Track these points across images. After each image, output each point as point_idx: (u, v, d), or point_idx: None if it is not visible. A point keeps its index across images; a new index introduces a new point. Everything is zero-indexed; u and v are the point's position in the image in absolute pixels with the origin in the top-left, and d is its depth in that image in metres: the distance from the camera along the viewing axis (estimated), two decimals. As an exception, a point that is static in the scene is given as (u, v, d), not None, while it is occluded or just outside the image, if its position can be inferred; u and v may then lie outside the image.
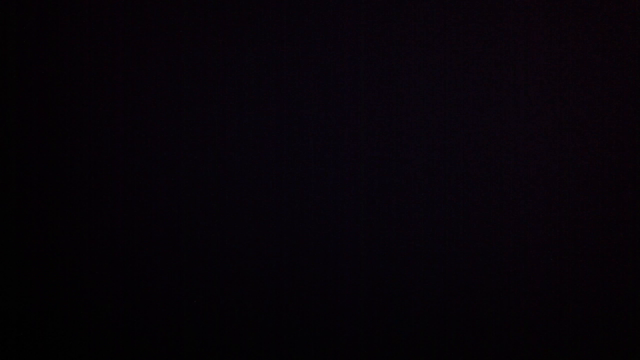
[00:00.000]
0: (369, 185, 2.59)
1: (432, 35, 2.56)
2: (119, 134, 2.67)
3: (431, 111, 2.57)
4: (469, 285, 2.56)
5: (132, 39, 2.66)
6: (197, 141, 2.64)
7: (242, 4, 2.62)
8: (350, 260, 2.60)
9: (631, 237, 2.50)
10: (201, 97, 2.64)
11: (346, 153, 2.60)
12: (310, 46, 2.60)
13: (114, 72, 2.67)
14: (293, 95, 2.61)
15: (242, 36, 2.62)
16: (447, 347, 2.58)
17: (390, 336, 2.59)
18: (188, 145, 2.65)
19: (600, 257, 2.52)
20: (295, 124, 2.61)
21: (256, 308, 2.64)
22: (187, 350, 2.66)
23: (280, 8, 2.61)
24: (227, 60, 2.63)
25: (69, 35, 2.68)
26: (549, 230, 2.53)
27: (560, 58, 2.52)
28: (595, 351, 2.52)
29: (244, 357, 2.64)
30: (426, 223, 2.57)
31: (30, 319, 2.71)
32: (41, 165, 2.69)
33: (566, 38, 2.52)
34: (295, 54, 2.61)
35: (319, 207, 2.61)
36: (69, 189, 2.69)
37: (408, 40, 2.57)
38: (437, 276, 2.57)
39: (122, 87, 2.67)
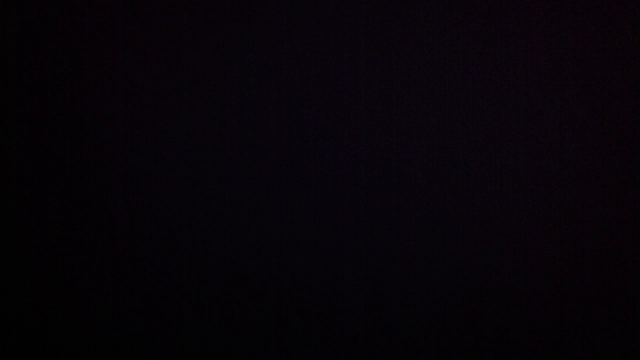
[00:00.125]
0: (369, 185, 2.59)
1: (432, 35, 2.56)
2: (119, 134, 2.67)
3: (431, 111, 2.57)
4: (468, 285, 2.56)
5: (132, 39, 2.66)
6: (197, 141, 2.64)
7: (242, 4, 2.63)
8: (350, 260, 2.60)
9: (631, 237, 2.50)
10: (201, 97, 2.64)
11: (346, 153, 2.60)
12: (310, 46, 2.60)
13: (114, 72, 2.67)
14: (293, 95, 2.61)
15: (242, 36, 2.62)
16: (447, 347, 2.58)
17: (390, 336, 2.59)
18: (188, 145, 2.65)
19: (600, 257, 2.52)
20: (295, 124, 2.61)
21: (256, 308, 2.64)
22: (187, 350, 2.66)
23: (280, 8, 2.61)
24: (227, 60, 2.63)
25: (69, 35, 2.68)
26: (549, 230, 2.53)
27: (560, 58, 2.52)
28: (595, 351, 2.52)
29: (244, 357, 2.64)
30: (426, 223, 2.57)
31: (30, 319, 2.71)
32: (41, 165, 2.69)
33: (566, 38, 2.52)
34: (295, 54, 2.61)
35: (319, 207, 2.61)
36: (69, 189, 2.69)
37: (408, 40, 2.57)
38: (437, 276, 2.57)
39: (122, 87, 2.67)
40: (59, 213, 2.69)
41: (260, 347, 2.64)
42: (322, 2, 2.60)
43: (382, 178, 2.58)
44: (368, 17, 2.58)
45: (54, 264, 2.70)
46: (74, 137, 2.69)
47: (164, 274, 2.66)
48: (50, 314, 2.71)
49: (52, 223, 2.70)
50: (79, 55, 2.68)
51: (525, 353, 2.54)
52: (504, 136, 2.54)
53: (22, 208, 2.70)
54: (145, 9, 2.66)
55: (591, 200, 2.52)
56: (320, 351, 2.61)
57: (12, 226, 2.70)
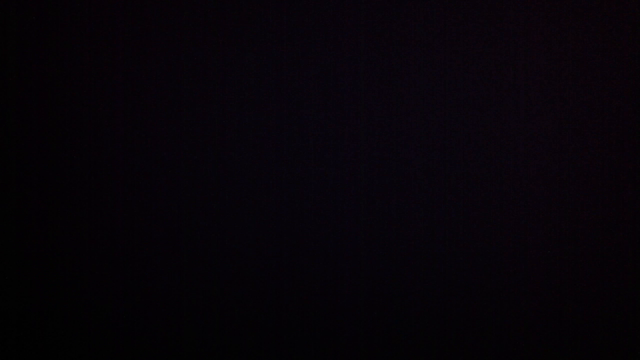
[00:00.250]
0: (369, 185, 2.59)
1: (432, 35, 2.56)
2: (119, 134, 2.67)
3: (431, 111, 2.57)
4: (468, 285, 2.56)
5: (132, 39, 2.66)
6: (197, 141, 2.64)
7: (242, 4, 2.62)
8: (350, 260, 2.60)
9: (631, 237, 2.50)
10: (201, 97, 2.64)
11: (346, 153, 2.60)
12: (310, 46, 2.60)
13: (114, 72, 2.67)
14: (293, 95, 2.61)
15: (242, 36, 2.62)
16: (447, 347, 2.57)
17: (390, 336, 2.59)
18: (188, 145, 2.64)
19: (600, 257, 2.52)
20: (295, 124, 2.61)
21: (256, 308, 2.64)
22: (187, 350, 2.66)
23: (280, 8, 2.61)
24: (227, 60, 2.63)
25: (69, 35, 2.68)
26: (549, 230, 2.53)
27: (560, 58, 2.52)
28: (595, 351, 2.52)
29: (244, 357, 2.64)
30: (426, 223, 2.57)
31: (30, 319, 2.71)
32: (41, 165, 2.69)
33: (566, 38, 2.52)
34: (295, 54, 2.61)
35: (319, 207, 2.61)
36: (69, 189, 2.69)
37: (408, 40, 2.57)
38: (437, 276, 2.57)
39: (122, 87, 2.67)
40: (59, 213, 2.69)
41: (260, 347, 2.63)
42: (322, 2, 2.60)
43: (382, 178, 2.58)
44: (368, 17, 2.58)
45: (54, 264, 2.70)
46: (74, 137, 2.69)
47: (164, 274, 2.66)
48: (50, 314, 2.71)
49: (52, 223, 2.69)
50: (79, 56, 2.68)
51: (525, 353, 2.54)
52: (504, 136, 2.54)
53: (22, 208, 2.70)
54: (145, 9, 2.66)
55: (591, 200, 2.51)
56: (320, 351, 2.61)
57: (12, 226, 2.70)
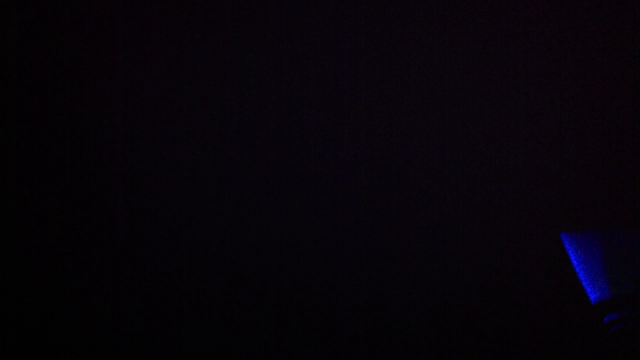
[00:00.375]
0: (369, 185, 2.59)
1: (432, 35, 2.56)
2: (119, 134, 2.67)
3: (431, 111, 2.57)
4: (468, 285, 2.56)
5: (132, 39, 2.66)
6: (197, 141, 2.64)
7: (242, 4, 2.62)
8: (350, 260, 2.60)
9: (631, 237, 2.50)
10: (201, 97, 2.64)
11: (346, 153, 2.60)
12: (310, 46, 2.60)
13: (114, 72, 2.67)
14: (293, 95, 2.61)
15: (242, 36, 2.62)
16: (447, 347, 2.57)
17: (390, 336, 2.59)
18: (188, 145, 2.64)
19: (600, 257, 2.52)
20: (295, 124, 2.61)
21: (256, 308, 2.64)
22: (187, 350, 2.66)
23: (280, 8, 2.61)
24: (227, 60, 2.63)
25: (69, 35, 2.68)
26: (549, 230, 2.53)
27: (560, 58, 2.52)
28: (595, 351, 2.52)
29: (244, 357, 2.64)
30: (426, 223, 2.57)
31: (30, 319, 2.71)
32: (41, 165, 2.69)
33: (566, 38, 2.52)
34: (295, 54, 2.61)
35: (319, 207, 2.61)
36: (69, 189, 2.69)
37: (408, 40, 2.57)
38: (437, 276, 2.57)
39: (122, 87, 2.67)
40: (59, 213, 2.69)
41: (260, 347, 2.63)
42: (322, 2, 2.60)
43: (382, 178, 2.58)
44: (368, 17, 2.58)
45: (54, 264, 2.70)
46: (74, 137, 2.69)
47: (164, 274, 2.66)
48: (50, 314, 2.71)
49: (52, 223, 2.69)
50: (79, 56, 2.68)
51: (525, 353, 2.54)
52: (504, 136, 2.54)
53: (22, 208, 2.70)
54: (145, 9, 2.66)
55: (591, 200, 2.52)
56: (321, 351, 2.61)
57: (12, 226, 2.70)
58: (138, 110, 2.67)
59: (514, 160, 2.54)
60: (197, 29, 2.64)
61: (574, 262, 2.40)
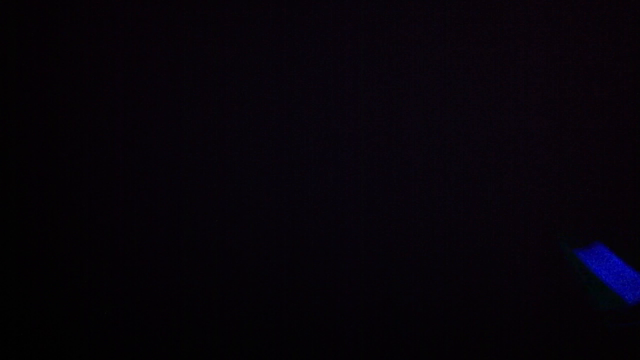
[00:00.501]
0: (369, 185, 2.59)
1: (432, 35, 2.56)
2: (119, 134, 2.67)
3: (431, 111, 2.57)
4: (468, 285, 2.56)
5: (132, 39, 2.67)
6: (197, 141, 2.65)
7: (242, 4, 2.63)
8: (350, 260, 2.60)
9: (631, 237, 2.51)
10: (201, 97, 2.64)
11: (346, 153, 2.60)
12: (310, 46, 2.61)
13: (114, 72, 2.67)
14: (293, 96, 2.62)
15: (242, 36, 2.63)
16: (447, 347, 2.58)
17: (390, 336, 2.59)
18: (188, 145, 2.65)
19: (600, 257, 2.52)
20: (295, 124, 2.62)
21: (256, 308, 2.64)
22: (187, 350, 2.66)
23: (280, 8, 2.61)
24: (227, 60, 2.63)
25: (69, 35, 2.69)
26: (548, 230, 2.53)
27: (560, 58, 2.53)
28: (595, 351, 2.53)
29: (244, 357, 2.64)
30: (426, 223, 2.58)
31: (30, 319, 2.71)
32: (41, 165, 2.70)
33: (566, 38, 2.53)
34: (295, 54, 2.61)
35: (319, 207, 2.61)
36: (69, 189, 2.69)
37: (408, 40, 2.57)
38: (437, 276, 2.57)
39: (122, 87, 2.67)
40: (59, 213, 2.70)
41: (260, 347, 2.64)
42: (322, 2, 2.60)
43: (382, 178, 2.59)
44: (368, 17, 2.58)
45: (54, 264, 2.70)
46: (74, 137, 2.69)
47: (164, 274, 2.66)
48: (50, 314, 2.71)
49: (52, 223, 2.70)
50: (79, 56, 2.69)
51: (525, 353, 2.55)
52: (504, 136, 2.55)
53: (22, 208, 2.70)
54: (146, 9, 2.66)
55: (591, 199, 2.52)
56: (321, 351, 2.62)
57: (12, 226, 2.70)
58: (138, 110, 2.67)
59: (514, 160, 2.54)
60: (197, 29, 2.64)
61: (599, 272, 2.42)
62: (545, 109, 2.53)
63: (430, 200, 2.58)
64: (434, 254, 2.58)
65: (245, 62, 2.63)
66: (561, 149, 2.53)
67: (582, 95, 2.52)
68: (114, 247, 2.69)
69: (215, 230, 2.65)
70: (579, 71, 2.52)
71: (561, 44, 2.53)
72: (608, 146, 2.52)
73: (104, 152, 2.69)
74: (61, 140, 2.70)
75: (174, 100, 2.66)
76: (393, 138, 2.59)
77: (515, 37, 2.54)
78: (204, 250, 2.66)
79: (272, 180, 2.63)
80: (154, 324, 2.68)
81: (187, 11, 2.65)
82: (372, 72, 2.59)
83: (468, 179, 2.56)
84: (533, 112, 2.54)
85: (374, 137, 2.59)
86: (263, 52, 2.63)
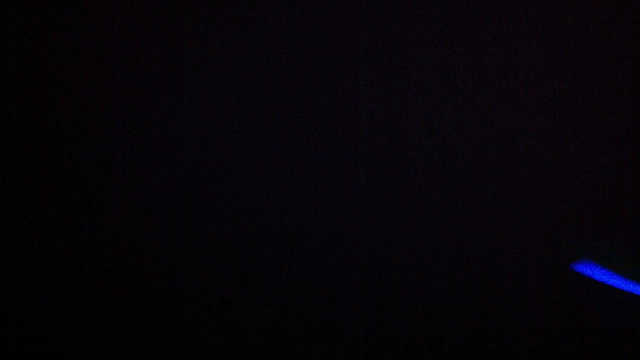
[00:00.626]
0: (369, 185, 2.59)
1: (432, 35, 2.56)
2: (119, 134, 2.67)
3: (431, 111, 2.57)
4: (468, 285, 2.56)
5: (132, 38, 2.66)
6: (197, 141, 2.64)
7: (242, 4, 2.63)
8: (350, 260, 2.60)
9: (631, 237, 2.50)
10: (201, 97, 2.64)
11: (346, 153, 2.60)
12: (310, 46, 2.60)
13: (114, 72, 2.67)
14: (293, 96, 2.61)
15: (242, 36, 2.62)
16: (447, 347, 2.58)
17: (390, 336, 2.59)
18: (188, 145, 2.65)
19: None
20: (295, 124, 2.61)
21: (256, 308, 2.64)
22: (187, 350, 2.66)
23: (280, 8, 2.61)
24: (227, 60, 2.63)
25: (69, 35, 2.68)
26: (548, 230, 2.53)
27: (560, 58, 2.52)
28: (595, 351, 2.52)
29: (244, 357, 2.64)
30: (426, 223, 2.57)
31: (30, 319, 2.71)
32: (41, 165, 2.69)
33: (566, 38, 2.52)
34: (295, 54, 2.61)
35: (319, 207, 2.61)
36: (69, 188, 2.69)
37: (408, 40, 2.57)
38: (437, 276, 2.57)
39: (122, 87, 2.67)
40: (59, 213, 2.69)
41: (260, 347, 2.63)
42: (322, 2, 2.60)
43: (382, 178, 2.58)
44: (368, 17, 2.58)
45: (54, 264, 2.70)
46: (74, 137, 2.69)
47: (164, 274, 2.66)
48: (50, 314, 2.71)
49: (52, 223, 2.70)
50: (79, 56, 2.68)
51: (525, 353, 2.54)
52: (504, 136, 2.54)
53: (22, 208, 2.70)
54: (146, 9, 2.66)
55: (591, 199, 2.52)
56: (321, 351, 2.61)
57: (12, 226, 2.70)
58: (138, 110, 2.67)
59: (514, 160, 2.54)
60: (197, 29, 2.64)
61: (608, 278, 2.42)
62: (545, 109, 2.53)
63: (430, 200, 2.57)
64: (434, 254, 2.57)
65: (245, 62, 2.63)
66: (561, 149, 2.53)
67: (582, 95, 2.52)
68: (114, 247, 2.69)
69: (215, 230, 2.65)
70: (579, 71, 2.52)
71: (561, 44, 2.53)
72: (608, 146, 2.51)
73: (104, 152, 2.68)
74: (61, 140, 2.70)
75: (174, 100, 2.66)
76: (393, 138, 2.58)
77: (515, 37, 2.53)
78: (203, 250, 2.65)
79: (272, 180, 2.63)
80: (154, 324, 2.67)
81: (187, 11, 2.65)
82: (372, 72, 2.59)
83: (468, 179, 2.56)
84: (533, 112, 2.53)
85: (374, 137, 2.59)
86: (263, 52, 2.62)
